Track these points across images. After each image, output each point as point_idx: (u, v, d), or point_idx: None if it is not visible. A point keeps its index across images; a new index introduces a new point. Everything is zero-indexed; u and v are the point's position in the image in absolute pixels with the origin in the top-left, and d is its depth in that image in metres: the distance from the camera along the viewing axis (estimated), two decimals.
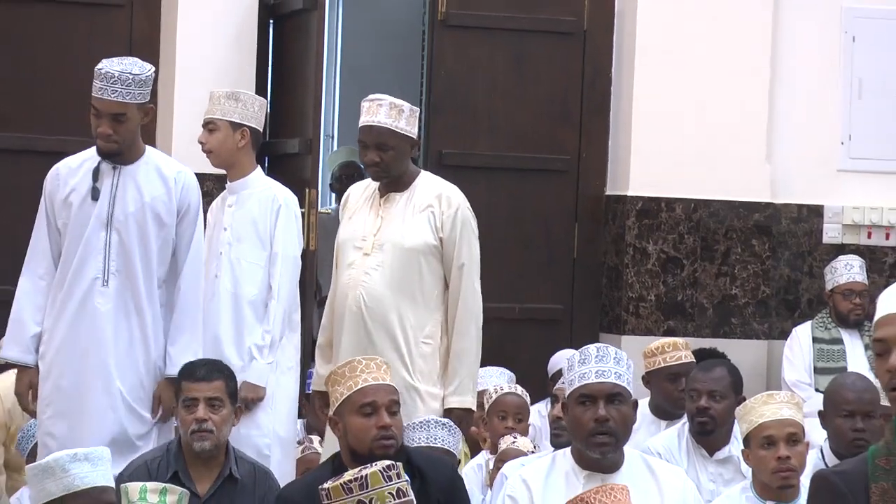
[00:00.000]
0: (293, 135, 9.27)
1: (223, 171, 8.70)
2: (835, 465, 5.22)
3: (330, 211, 11.38)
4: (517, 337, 9.57)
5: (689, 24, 9.74)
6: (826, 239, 9.98)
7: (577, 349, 6.03)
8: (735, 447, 7.18)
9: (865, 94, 10.04)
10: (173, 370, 6.73)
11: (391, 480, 4.88)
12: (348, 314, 7.09)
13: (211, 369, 6.57)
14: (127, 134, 6.76)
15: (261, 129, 7.74)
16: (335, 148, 12.44)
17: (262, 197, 7.57)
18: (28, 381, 6.83)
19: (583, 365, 5.66)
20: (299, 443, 7.68)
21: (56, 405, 6.73)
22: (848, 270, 9.36)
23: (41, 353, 6.81)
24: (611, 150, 9.93)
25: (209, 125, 7.62)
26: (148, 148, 6.98)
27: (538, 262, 9.86)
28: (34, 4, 9.24)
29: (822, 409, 6.99)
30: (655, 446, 7.02)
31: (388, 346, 7.03)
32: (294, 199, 7.66)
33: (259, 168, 7.79)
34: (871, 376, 7.91)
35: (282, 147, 9.38)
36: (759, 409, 6.19)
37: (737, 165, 9.81)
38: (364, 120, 7.20)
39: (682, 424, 7.38)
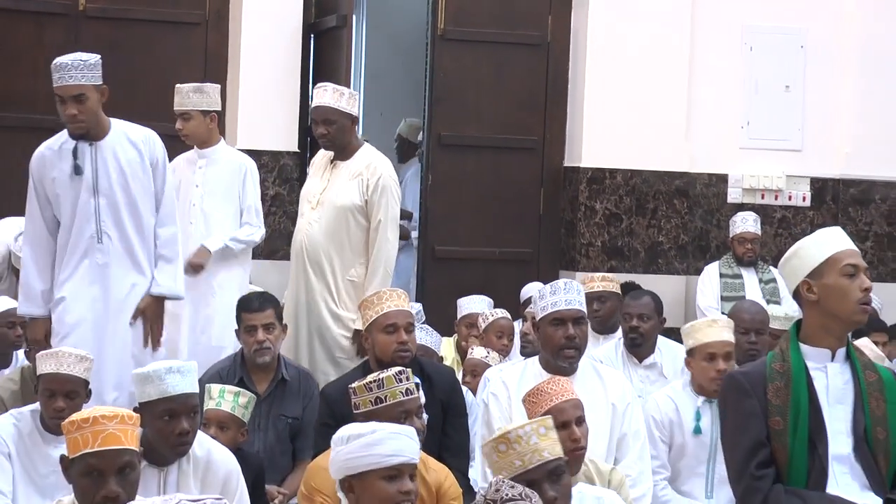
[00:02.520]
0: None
1: (276, 147, 8.77)
2: (741, 367, 5.25)
3: None
4: (497, 273, 9.57)
5: (627, 38, 9.70)
6: (730, 199, 9.95)
7: (542, 283, 6.07)
8: (657, 356, 7.22)
9: (760, 90, 10.01)
10: (156, 290, 6.40)
11: (401, 382, 4.86)
12: (295, 254, 7.16)
13: (263, 301, 6.51)
14: (89, 113, 6.25)
15: (220, 109, 7.55)
16: (360, 133, 12.36)
17: (230, 164, 7.40)
18: (43, 329, 6.33)
19: (553, 295, 5.66)
20: None
21: (76, 335, 6.28)
22: (744, 223, 9.37)
23: (60, 298, 6.32)
24: (568, 132, 9.88)
25: (184, 115, 7.35)
26: (113, 121, 6.43)
27: (513, 217, 9.84)
28: (133, 22, 9.21)
29: None
30: (598, 356, 7.01)
31: (320, 281, 7.05)
32: (254, 163, 7.53)
33: (222, 139, 7.62)
34: (763, 303, 7.97)
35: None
36: (705, 331, 6.16)
37: (663, 144, 9.78)
38: (314, 102, 7.21)
39: (618, 339, 7.40)
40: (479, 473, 5.80)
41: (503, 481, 3.62)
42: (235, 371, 6.35)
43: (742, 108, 10.01)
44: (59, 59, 6.24)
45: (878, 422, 4.31)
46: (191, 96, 7.33)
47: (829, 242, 4.39)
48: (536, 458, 4.32)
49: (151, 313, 6.42)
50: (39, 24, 9.03)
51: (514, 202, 9.84)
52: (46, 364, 5.51)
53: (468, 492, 5.55)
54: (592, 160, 9.76)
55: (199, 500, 3.12)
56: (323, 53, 9.51)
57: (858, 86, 10.08)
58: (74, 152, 6.29)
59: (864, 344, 6.81)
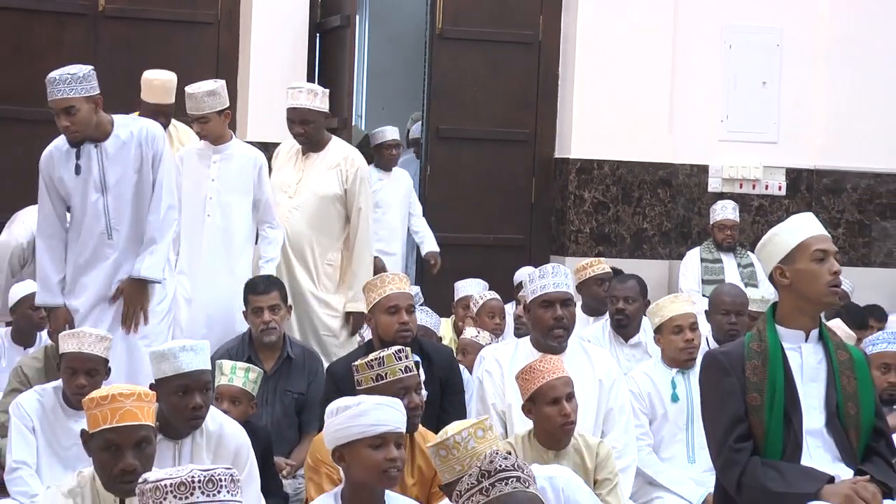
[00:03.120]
0: (333, 114, 9.20)
1: (284, 139, 8.67)
2: (720, 346, 5.25)
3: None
4: (491, 258, 9.58)
5: (613, 37, 9.72)
6: (710, 189, 9.98)
7: (534, 267, 6.06)
8: (642, 335, 7.23)
9: (738, 86, 10.02)
10: (135, 273, 6.16)
11: (400, 360, 4.87)
12: None
13: (268, 284, 6.50)
14: (81, 123, 6.08)
15: (228, 103, 7.25)
16: (363, 126, 12.35)
17: (243, 158, 7.14)
18: (64, 318, 6.19)
19: (542, 279, 5.64)
20: None
21: (85, 313, 6.17)
22: (723, 211, 9.39)
23: (74, 288, 6.23)
24: (558, 126, 9.89)
25: (201, 119, 7.15)
26: (115, 119, 6.26)
27: (507, 205, 9.85)
28: (149, 22, 9.20)
29: (707, 308, 7.03)
30: (587, 336, 7.02)
31: (301, 265, 7.08)
32: (264, 157, 7.27)
33: (233, 134, 7.35)
34: (742, 286, 7.97)
35: (326, 123, 9.35)
36: (669, 307, 6.16)
37: (647, 136, 9.79)
38: (290, 103, 7.15)
39: (605, 320, 7.41)
40: None
41: (497, 453, 3.60)
42: (244, 350, 6.35)
43: (721, 103, 10.02)
44: (51, 75, 6.12)
45: (849, 398, 4.32)
46: (206, 100, 7.14)
47: (800, 229, 4.40)
48: (475, 462, 4.27)
49: (129, 295, 6.22)
50: (61, 24, 9.01)
51: (508, 192, 9.84)
52: (69, 343, 5.52)
53: None
54: (581, 152, 9.77)
55: (209, 470, 3.12)
56: (328, 51, 9.49)
57: (831, 82, 10.09)
58: (77, 154, 6.17)
59: (836, 325, 6.81)
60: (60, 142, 6.26)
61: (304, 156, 7.17)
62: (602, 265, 7.88)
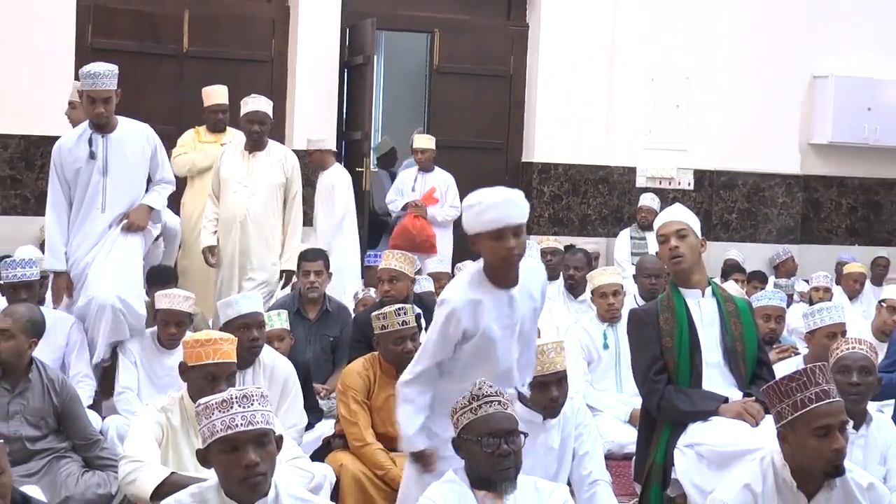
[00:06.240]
0: (357, 129, 9.24)
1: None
2: (640, 306, 5.26)
3: (376, 170, 11.27)
4: None
5: (566, 71, 9.70)
6: (637, 185, 9.99)
7: None
8: (587, 294, 7.21)
9: (658, 109, 10.02)
10: (144, 201, 5.87)
11: (399, 316, 4.90)
12: (238, 222, 6.75)
13: (316, 254, 6.48)
14: (111, 111, 5.70)
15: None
16: (380, 139, 12.29)
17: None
18: (66, 282, 5.80)
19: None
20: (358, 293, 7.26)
21: (80, 279, 5.77)
22: (644, 201, 9.40)
23: (74, 254, 5.79)
24: (525, 138, 9.88)
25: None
26: (119, 118, 5.82)
27: None
28: (221, 60, 9.13)
29: (634, 273, 7.04)
30: (547, 294, 7.02)
31: (261, 241, 6.73)
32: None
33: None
34: None
35: (351, 136, 9.35)
36: (599, 277, 6.22)
37: (590, 145, 9.80)
38: (252, 108, 6.76)
39: (559, 282, 7.42)
40: None
41: (484, 382, 3.60)
42: (294, 302, 6.35)
43: (646, 121, 10.02)
44: (91, 68, 5.66)
45: (736, 339, 4.34)
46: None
47: (659, 217, 4.46)
48: (550, 368, 4.31)
49: (134, 214, 5.84)
50: (155, 62, 8.98)
51: (487, 186, 9.79)
52: (162, 302, 5.51)
53: None
54: (542, 157, 9.78)
55: (244, 389, 3.13)
56: (353, 82, 9.48)
57: (727, 106, 10.11)
58: (90, 142, 5.74)
59: (730, 285, 6.82)
60: (72, 134, 5.85)
61: (252, 154, 6.81)
62: (549, 242, 7.82)
